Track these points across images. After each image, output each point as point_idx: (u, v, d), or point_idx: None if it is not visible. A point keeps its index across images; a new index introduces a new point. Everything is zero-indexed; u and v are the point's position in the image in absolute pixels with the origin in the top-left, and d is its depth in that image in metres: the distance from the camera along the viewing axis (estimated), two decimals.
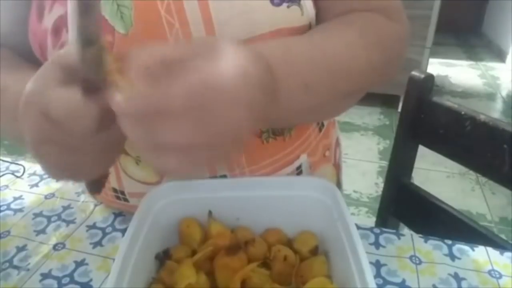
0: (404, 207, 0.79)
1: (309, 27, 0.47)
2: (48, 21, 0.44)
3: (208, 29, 0.42)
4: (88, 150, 0.35)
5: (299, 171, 0.56)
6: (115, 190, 0.54)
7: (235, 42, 0.32)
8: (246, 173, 0.51)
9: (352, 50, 0.44)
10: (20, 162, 0.70)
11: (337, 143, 0.68)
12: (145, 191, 0.47)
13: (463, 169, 1.89)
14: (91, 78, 0.31)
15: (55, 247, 0.52)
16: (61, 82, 0.32)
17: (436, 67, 3.51)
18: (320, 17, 0.49)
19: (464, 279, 0.47)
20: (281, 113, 0.37)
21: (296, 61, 0.40)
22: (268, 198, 0.48)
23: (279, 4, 0.43)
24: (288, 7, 0.44)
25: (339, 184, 0.71)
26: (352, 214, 1.79)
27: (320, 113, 0.51)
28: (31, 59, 0.50)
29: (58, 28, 0.43)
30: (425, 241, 0.53)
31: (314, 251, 0.46)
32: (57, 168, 0.37)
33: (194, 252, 0.46)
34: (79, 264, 0.50)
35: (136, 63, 0.30)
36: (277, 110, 0.36)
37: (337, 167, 0.68)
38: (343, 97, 0.46)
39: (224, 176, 0.51)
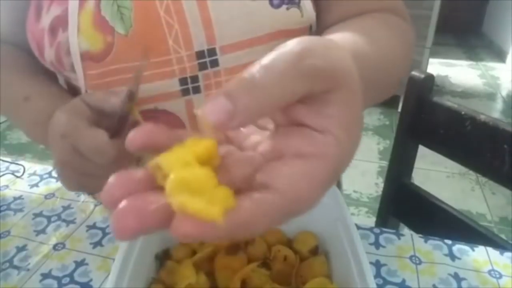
0: (404, 207, 0.79)
1: (309, 29, 0.46)
2: (45, 20, 0.44)
3: (207, 30, 0.42)
4: (105, 175, 0.36)
5: None
6: None
7: (353, 65, 0.23)
8: None
9: (394, 49, 0.44)
10: (20, 162, 0.70)
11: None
12: None
13: (463, 169, 1.89)
14: (119, 124, 0.39)
15: (55, 247, 0.52)
16: (90, 122, 0.39)
17: (436, 67, 3.51)
18: (323, 18, 0.48)
19: (464, 279, 0.47)
20: None
21: (369, 73, 0.33)
22: None
23: (278, 6, 0.43)
24: (287, 9, 0.44)
25: (339, 185, 0.71)
26: (352, 214, 1.79)
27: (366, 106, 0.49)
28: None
29: (55, 27, 0.43)
30: (425, 241, 0.53)
31: (314, 251, 0.46)
32: (74, 185, 0.43)
33: (194, 252, 0.46)
34: (79, 264, 0.50)
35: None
36: None
37: None
38: (385, 90, 0.47)
39: None
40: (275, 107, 0.20)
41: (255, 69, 0.20)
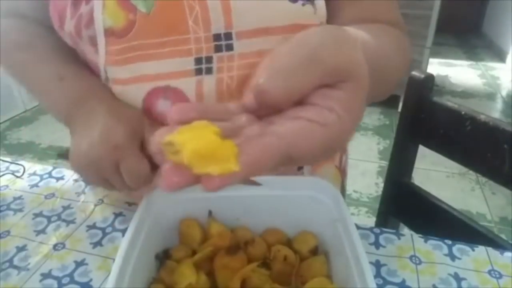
0: (404, 207, 0.79)
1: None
2: None
3: (226, 16, 0.44)
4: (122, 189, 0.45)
5: (301, 172, 0.56)
6: (128, 203, 0.58)
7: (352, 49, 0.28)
8: None
9: (394, 54, 0.47)
10: (20, 162, 0.70)
11: (343, 149, 0.68)
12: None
13: (463, 169, 1.89)
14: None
15: (55, 247, 0.52)
16: (140, 145, 0.43)
17: (436, 67, 3.51)
18: (331, 22, 0.51)
19: (464, 279, 0.47)
20: None
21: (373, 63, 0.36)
22: (268, 198, 0.48)
23: (295, 1, 0.45)
24: (303, 4, 0.46)
25: (343, 189, 0.71)
26: (352, 214, 1.79)
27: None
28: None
29: (79, 0, 0.45)
30: (425, 241, 0.53)
31: (314, 251, 0.46)
32: (90, 181, 0.48)
33: (194, 252, 0.46)
34: (79, 264, 0.50)
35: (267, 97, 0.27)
36: None
37: (342, 172, 0.68)
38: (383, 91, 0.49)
39: None
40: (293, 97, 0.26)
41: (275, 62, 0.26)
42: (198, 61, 0.46)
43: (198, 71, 0.46)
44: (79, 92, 0.49)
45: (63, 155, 0.52)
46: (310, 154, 0.26)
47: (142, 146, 0.44)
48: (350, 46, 0.27)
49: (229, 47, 0.46)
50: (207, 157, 0.23)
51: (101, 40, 0.45)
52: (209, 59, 0.46)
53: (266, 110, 0.27)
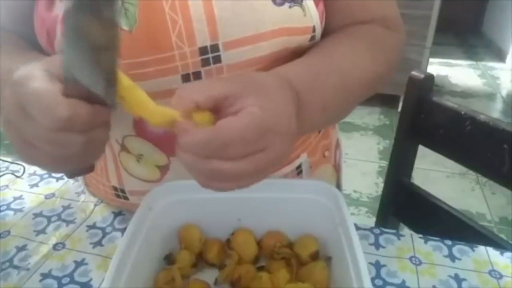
0: (404, 207, 0.78)
1: (313, 29, 0.47)
2: (60, 8, 0.44)
3: (210, 26, 0.42)
4: (49, 150, 0.34)
5: (299, 170, 0.56)
6: (115, 188, 0.55)
7: (272, 77, 0.38)
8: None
9: (364, 65, 0.48)
10: (20, 162, 0.70)
11: (337, 145, 0.68)
12: (146, 189, 0.47)
13: (463, 169, 1.89)
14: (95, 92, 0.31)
15: (55, 247, 0.52)
16: (52, 78, 0.32)
17: (436, 67, 3.51)
18: (327, 24, 0.51)
19: (464, 279, 0.47)
20: (299, 130, 0.40)
21: (319, 89, 0.43)
22: (270, 200, 0.48)
23: (281, 4, 0.44)
24: (290, 7, 0.44)
25: (338, 186, 0.71)
26: (352, 214, 1.79)
27: (330, 122, 0.60)
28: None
29: None
30: (425, 242, 0.52)
31: (314, 256, 0.46)
32: (15, 149, 0.36)
33: (196, 257, 0.47)
34: (79, 264, 0.50)
35: (187, 98, 0.34)
36: (298, 128, 0.39)
37: (337, 168, 0.68)
38: (351, 106, 0.51)
39: None
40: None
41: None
42: (186, 77, 0.44)
43: None
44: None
45: None
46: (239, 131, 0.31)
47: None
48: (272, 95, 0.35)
49: (217, 59, 0.44)
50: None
51: None
52: (197, 75, 0.44)
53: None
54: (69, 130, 0.32)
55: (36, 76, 0.32)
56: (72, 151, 0.34)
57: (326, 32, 0.51)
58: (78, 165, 0.38)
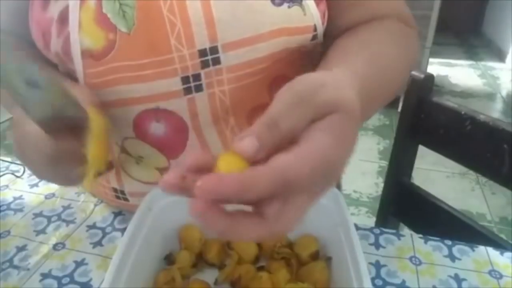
0: (404, 207, 0.78)
1: (314, 28, 0.47)
2: (55, 10, 0.43)
3: (209, 28, 0.42)
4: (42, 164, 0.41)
5: None
6: (115, 190, 0.54)
7: (343, 96, 0.30)
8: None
9: (395, 62, 0.47)
10: (20, 162, 0.70)
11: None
12: (145, 190, 0.47)
13: (463, 169, 1.89)
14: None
15: (55, 247, 0.52)
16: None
17: (436, 67, 3.51)
18: (335, 23, 0.50)
19: (464, 279, 0.47)
20: None
21: (370, 94, 0.38)
22: None
23: (280, 4, 0.43)
24: (289, 7, 0.44)
25: (338, 186, 0.71)
26: (352, 214, 1.79)
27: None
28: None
29: (65, 17, 0.43)
30: (425, 242, 0.52)
31: (315, 256, 0.46)
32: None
33: (196, 257, 0.47)
34: (79, 264, 0.50)
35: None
36: None
37: None
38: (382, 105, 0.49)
39: None
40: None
41: (274, 111, 0.27)
42: (185, 80, 0.44)
43: (187, 90, 0.44)
44: None
45: None
46: (306, 176, 0.25)
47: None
48: (339, 84, 0.31)
49: (216, 61, 0.43)
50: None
51: (78, 62, 0.43)
52: (196, 77, 0.44)
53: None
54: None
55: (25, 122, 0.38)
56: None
57: (344, 26, 0.50)
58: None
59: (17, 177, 0.67)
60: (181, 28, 0.42)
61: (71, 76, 0.49)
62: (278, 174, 0.24)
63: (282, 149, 0.26)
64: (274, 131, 0.26)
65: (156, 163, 0.50)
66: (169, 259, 0.47)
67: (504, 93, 3.12)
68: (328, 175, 0.28)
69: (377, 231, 0.54)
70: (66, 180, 0.43)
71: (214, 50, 0.43)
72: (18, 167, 0.69)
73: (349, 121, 0.29)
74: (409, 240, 0.53)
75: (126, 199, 0.55)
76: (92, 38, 0.42)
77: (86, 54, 0.43)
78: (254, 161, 0.26)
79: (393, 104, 2.66)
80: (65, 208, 0.60)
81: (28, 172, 0.68)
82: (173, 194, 0.27)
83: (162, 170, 0.50)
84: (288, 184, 0.24)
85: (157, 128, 0.46)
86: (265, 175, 0.24)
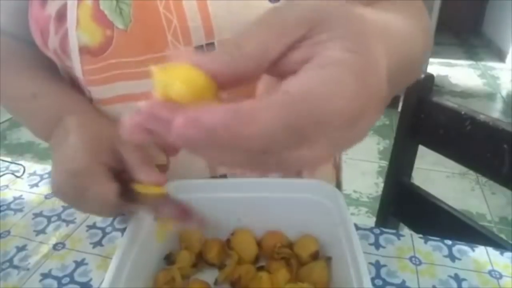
0: (404, 207, 0.79)
1: None
2: (52, 7, 0.44)
3: (206, 26, 0.42)
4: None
5: (299, 170, 0.56)
6: None
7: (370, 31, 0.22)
8: (246, 171, 0.51)
9: (417, 37, 0.42)
10: (20, 162, 0.70)
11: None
12: None
13: (463, 169, 1.89)
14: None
15: (55, 247, 0.52)
16: (107, 174, 0.38)
17: (436, 67, 3.51)
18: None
19: (464, 279, 0.47)
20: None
21: (398, 47, 0.32)
22: (270, 200, 0.48)
23: (276, 0, 0.43)
24: None
25: (338, 186, 0.71)
26: (352, 214, 1.79)
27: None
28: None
29: (62, 14, 0.43)
30: (425, 242, 0.52)
31: (315, 256, 0.46)
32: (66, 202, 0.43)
33: (196, 257, 0.47)
34: (79, 264, 0.50)
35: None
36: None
37: (337, 168, 0.68)
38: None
39: (224, 176, 0.51)
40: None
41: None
42: None
43: None
44: (52, 110, 0.47)
45: None
46: (339, 108, 0.19)
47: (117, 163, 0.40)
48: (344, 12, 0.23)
49: None
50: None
51: (76, 59, 0.43)
52: None
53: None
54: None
55: (95, 175, 0.38)
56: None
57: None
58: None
59: (17, 177, 0.67)
60: (177, 24, 0.42)
61: (71, 75, 0.50)
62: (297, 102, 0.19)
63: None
64: (235, 52, 0.22)
65: (155, 160, 0.50)
66: (169, 259, 0.47)
67: (504, 93, 3.12)
68: (369, 102, 0.21)
69: (377, 231, 0.54)
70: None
71: (211, 47, 0.43)
72: (18, 167, 0.69)
73: (358, 41, 0.21)
74: (409, 240, 0.53)
75: None
76: (90, 34, 0.42)
77: (84, 50, 0.43)
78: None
79: (393, 104, 2.66)
80: (65, 208, 0.60)
81: (28, 172, 0.68)
82: (138, 139, 0.22)
83: (161, 168, 0.50)
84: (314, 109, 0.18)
85: None
86: (273, 104, 0.18)
